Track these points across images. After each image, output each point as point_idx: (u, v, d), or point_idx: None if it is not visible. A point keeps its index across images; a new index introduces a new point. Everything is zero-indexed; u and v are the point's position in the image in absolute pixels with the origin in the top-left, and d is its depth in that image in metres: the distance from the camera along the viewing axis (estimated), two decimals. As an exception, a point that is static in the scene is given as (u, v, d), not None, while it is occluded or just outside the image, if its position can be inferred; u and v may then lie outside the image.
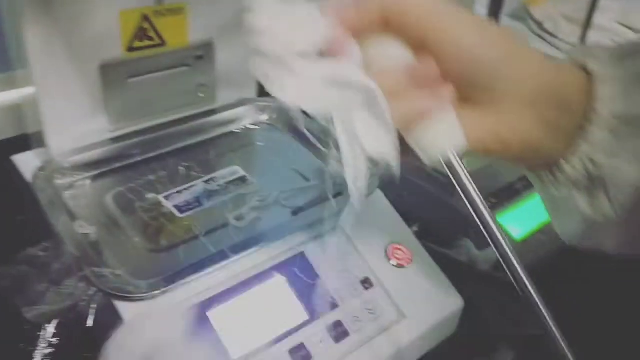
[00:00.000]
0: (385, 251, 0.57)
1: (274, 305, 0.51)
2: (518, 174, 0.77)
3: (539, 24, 1.01)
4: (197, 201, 0.59)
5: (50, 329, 0.45)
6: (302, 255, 0.54)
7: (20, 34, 0.54)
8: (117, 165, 0.62)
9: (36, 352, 0.42)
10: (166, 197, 0.59)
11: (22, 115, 0.74)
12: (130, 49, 0.60)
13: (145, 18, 0.60)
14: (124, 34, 0.59)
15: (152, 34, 0.61)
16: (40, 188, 0.56)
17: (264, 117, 0.73)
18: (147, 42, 0.61)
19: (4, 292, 0.44)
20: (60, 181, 0.58)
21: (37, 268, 0.46)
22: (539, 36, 1.02)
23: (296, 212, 0.58)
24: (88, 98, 0.60)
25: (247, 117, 0.72)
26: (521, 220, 0.72)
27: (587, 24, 0.80)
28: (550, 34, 1.00)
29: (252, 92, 0.74)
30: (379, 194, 0.61)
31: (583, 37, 0.81)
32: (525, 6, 1.06)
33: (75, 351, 0.46)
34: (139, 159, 0.64)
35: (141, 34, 0.60)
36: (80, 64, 0.58)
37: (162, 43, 0.63)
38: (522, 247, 0.70)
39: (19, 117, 0.79)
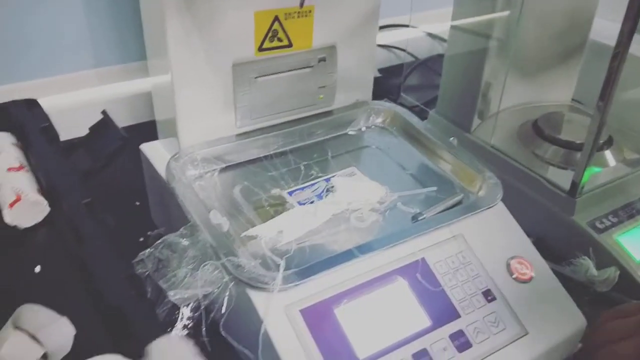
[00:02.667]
0: (507, 264, 0.56)
1: (396, 308, 0.51)
2: (638, 195, 0.74)
3: (662, 38, 0.96)
4: (319, 199, 0.60)
5: (187, 311, 0.47)
6: (423, 261, 0.54)
7: (159, 26, 0.57)
8: (242, 160, 0.65)
9: (173, 331, 0.44)
10: (289, 193, 0.60)
11: (150, 104, 0.78)
12: (261, 49, 0.63)
13: (277, 20, 0.62)
14: (257, 34, 0.61)
15: (281, 35, 0.63)
16: (173, 177, 0.58)
17: (379, 120, 0.74)
18: (276, 43, 0.63)
19: (149, 273, 0.47)
20: (191, 172, 0.61)
21: (177, 253, 0.48)
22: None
23: (415, 217, 0.58)
24: (219, 94, 0.62)
25: (362, 120, 0.73)
26: (643, 242, 0.69)
27: None
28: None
29: (367, 95, 0.75)
30: (501, 206, 0.60)
31: None
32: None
33: (208, 335, 0.48)
34: (262, 155, 0.65)
35: (272, 35, 0.62)
36: (215, 60, 0.61)
37: (289, 45, 0.64)
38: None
39: (149, 104, 0.84)
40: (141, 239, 0.67)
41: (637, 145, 0.82)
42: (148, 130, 0.72)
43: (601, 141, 0.78)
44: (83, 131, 0.78)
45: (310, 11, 0.64)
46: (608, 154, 0.79)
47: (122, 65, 0.91)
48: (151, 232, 0.67)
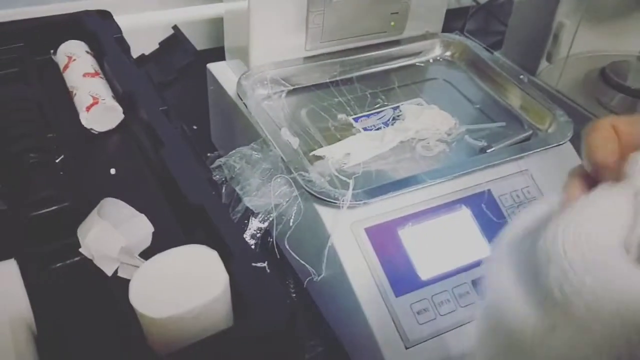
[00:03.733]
0: (573, 202, 0.56)
1: (459, 236, 0.52)
2: None
3: None
4: (386, 126, 0.59)
5: (256, 222, 0.49)
6: (489, 192, 0.54)
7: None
8: (309, 83, 0.64)
9: (242, 238, 0.45)
10: (355, 119, 0.60)
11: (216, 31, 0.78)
12: (338, -32, 0.61)
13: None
14: (335, -47, 0.60)
15: (360, -45, 0.61)
16: (244, 94, 0.59)
17: (448, 53, 0.72)
18: (353, -37, 0.62)
19: (225, 180, 0.48)
20: (260, 91, 0.61)
21: (250, 164, 0.49)
22: None
23: (483, 149, 0.57)
24: (293, 15, 0.62)
25: (431, 51, 0.72)
26: None
27: None
28: None
29: (438, 27, 0.73)
30: (568, 146, 0.59)
31: None
32: None
33: (276, 246, 0.49)
34: (329, 80, 0.65)
35: (350, -46, 0.61)
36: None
37: (367, -34, 0.63)
38: None
39: (214, 31, 0.84)
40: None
41: None
42: (212, 56, 0.72)
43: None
44: (150, 50, 0.79)
45: None
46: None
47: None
48: (211, 153, 0.68)
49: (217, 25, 0.80)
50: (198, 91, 0.72)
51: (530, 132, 0.60)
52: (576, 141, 0.59)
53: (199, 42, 0.90)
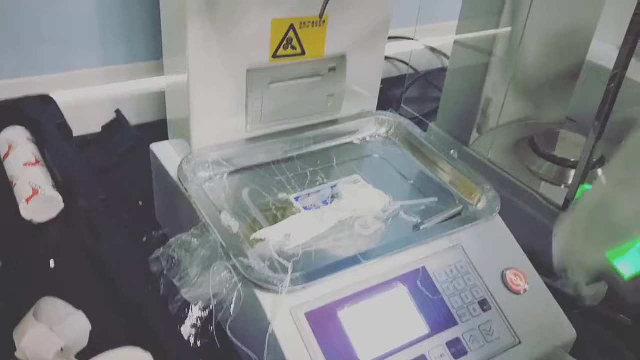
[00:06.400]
0: (503, 275, 0.59)
1: (397, 314, 0.53)
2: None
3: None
4: (325, 204, 0.62)
5: (196, 310, 0.49)
6: (423, 269, 0.56)
7: (179, 27, 0.59)
8: (250, 164, 0.66)
9: (182, 328, 0.46)
10: (296, 199, 0.62)
11: (158, 104, 0.80)
12: (275, 56, 0.64)
13: (292, 28, 0.64)
14: (273, 41, 0.63)
15: (295, 43, 0.65)
16: (185, 178, 0.60)
17: (382, 131, 0.76)
18: (290, 51, 0.65)
19: (162, 272, 0.49)
20: (202, 173, 0.63)
21: (189, 252, 0.50)
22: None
23: (417, 226, 0.60)
24: (233, 98, 0.64)
25: (367, 129, 0.75)
26: (631, 258, 0.71)
27: None
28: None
29: (372, 106, 0.77)
30: (498, 219, 0.62)
31: None
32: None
33: (218, 334, 0.50)
34: (269, 160, 0.67)
35: (286, 43, 0.64)
36: (231, 65, 0.63)
37: (302, 53, 0.66)
38: (631, 285, 0.69)
39: (157, 104, 0.85)
40: (144, 239, 0.69)
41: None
42: (156, 130, 0.73)
43: (594, 159, 0.81)
44: (92, 127, 0.80)
45: (324, 21, 0.66)
46: (600, 172, 0.82)
47: (131, 64, 0.92)
48: (155, 231, 0.68)
49: (162, 98, 0.81)
50: (145, 165, 0.73)
51: (461, 206, 0.63)
52: (502, 213, 0.63)
53: (145, 114, 0.92)
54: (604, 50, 0.88)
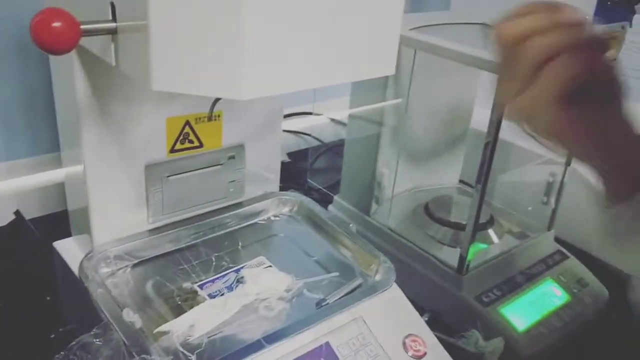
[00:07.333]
0: (403, 342, 0.62)
1: (303, 394, 0.55)
2: (518, 269, 0.83)
3: (532, 125, 1.10)
4: (229, 290, 0.63)
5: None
6: (327, 345, 0.59)
7: (74, 124, 0.60)
8: (154, 254, 0.67)
9: None
10: (200, 286, 0.64)
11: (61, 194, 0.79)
12: (173, 150, 0.67)
13: (188, 124, 0.67)
14: (169, 137, 0.66)
15: (192, 137, 0.68)
16: (86, 276, 0.60)
17: (286, 210, 0.79)
18: (187, 145, 0.68)
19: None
20: (104, 269, 0.63)
21: (91, 354, 0.50)
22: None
23: (319, 303, 0.63)
24: (132, 193, 0.66)
25: (271, 210, 0.78)
26: (524, 312, 0.77)
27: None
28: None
29: (275, 187, 0.80)
30: (395, 288, 0.66)
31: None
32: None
33: None
34: (173, 248, 0.69)
35: (183, 138, 0.67)
36: (128, 161, 0.64)
37: (200, 145, 0.69)
38: (525, 338, 0.74)
39: (60, 195, 0.85)
40: (52, 335, 0.67)
41: (516, 223, 0.93)
42: (59, 220, 0.73)
43: (483, 220, 0.88)
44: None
45: (219, 115, 0.69)
46: (491, 232, 0.89)
47: (34, 157, 0.92)
48: (63, 328, 0.67)
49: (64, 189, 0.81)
50: (50, 261, 0.72)
51: (361, 279, 0.67)
52: (403, 278, 0.67)
53: (48, 206, 0.91)
54: (484, 117, 0.97)
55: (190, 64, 0.43)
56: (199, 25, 0.42)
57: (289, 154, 1.21)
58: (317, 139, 1.23)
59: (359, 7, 0.48)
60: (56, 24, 0.44)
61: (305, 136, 1.25)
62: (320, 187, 1.05)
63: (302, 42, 0.45)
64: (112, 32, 0.47)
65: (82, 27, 0.45)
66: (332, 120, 1.29)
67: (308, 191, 1.07)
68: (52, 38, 0.44)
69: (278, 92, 0.46)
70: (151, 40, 0.42)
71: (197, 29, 0.42)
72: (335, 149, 1.24)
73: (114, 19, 0.46)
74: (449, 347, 0.66)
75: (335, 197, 0.97)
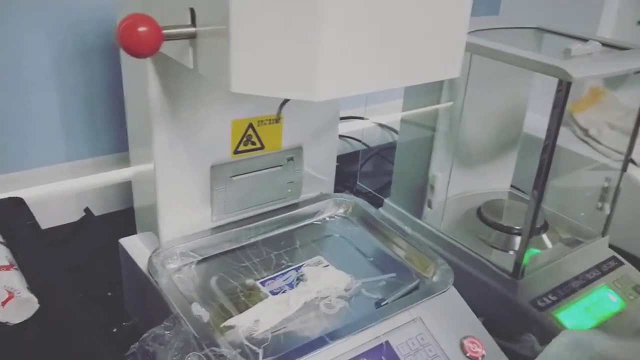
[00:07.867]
0: (461, 343, 0.63)
1: (365, 390, 0.56)
2: (572, 275, 0.82)
3: (585, 130, 1.09)
4: (290, 287, 0.65)
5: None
6: (387, 343, 0.60)
7: (146, 129, 0.63)
8: (217, 252, 0.70)
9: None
10: (262, 283, 0.66)
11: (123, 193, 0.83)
12: (236, 152, 0.70)
13: (251, 126, 0.69)
14: (233, 139, 0.69)
15: (254, 139, 0.70)
16: (155, 271, 0.63)
17: (340, 211, 0.81)
18: (250, 147, 0.70)
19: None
20: (171, 265, 0.66)
21: (163, 345, 0.52)
22: (584, 141, 1.10)
23: (378, 302, 0.64)
24: (198, 192, 0.68)
25: (326, 211, 0.80)
26: (579, 317, 0.77)
27: (635, 133, 0.87)
28: (595, 140, 1.07)
29: (330, 188, 0.82)
30: (452, 290, 0.67)
31: (631, 147, 0.88)
32: (570, 112, 1.14)
33: None
34: (235, 246, 0.71)
35: (246, 139, 0.70)
36: (195, 162, 0.67)
37: (262, 147, 0.72)
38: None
39: (122, 194, 0.89)
40: (114, 330, 0.70)
41: (570, 229, 0.92)
42: (121, 219, 0.76)
43: (538, 226, 0.87)
44: (60, 221, 0.82)
45: (280, 119, 0.71)
46: (545, 237, 0.88)
47: (95, 158, 0.96)
48: (125, 322, 0.70)
49: (126, 188, 0.84)
50: (114, 256, 0.75)
51: (418, 280, 0.68)
52: (457, 282, 0.67)
53: (110, 205, 0.95)
54: (537, 121, 0.96)
55: (267, 67, 0.45)
56: (276, 29, 0.44)
57: (338, 158, 1.22)
58: (365, 144, 1.24)
59: (428, 9, 0.49)
60: (142, 29, 0.46)
61: (351, 140, 1.26)
62: (370, 190, 1.07)
63: (373, 44, 0.47)
64: (192, 36, 0.49)
65: (164, 31, 0.47)
66: (379, 125, 1.30)
67: (357, 194, 1.08)
68: (138, 42, 0.46)
69: (349, 94, 0.48)
70: (231, 44, 0.44)
71: (274, 34, 0.44)
72: (383, 152, 1.25)
73: (194, 24, 0.49)
74: (504, 350, 0.66)
75: (386, 200, 0.98)
